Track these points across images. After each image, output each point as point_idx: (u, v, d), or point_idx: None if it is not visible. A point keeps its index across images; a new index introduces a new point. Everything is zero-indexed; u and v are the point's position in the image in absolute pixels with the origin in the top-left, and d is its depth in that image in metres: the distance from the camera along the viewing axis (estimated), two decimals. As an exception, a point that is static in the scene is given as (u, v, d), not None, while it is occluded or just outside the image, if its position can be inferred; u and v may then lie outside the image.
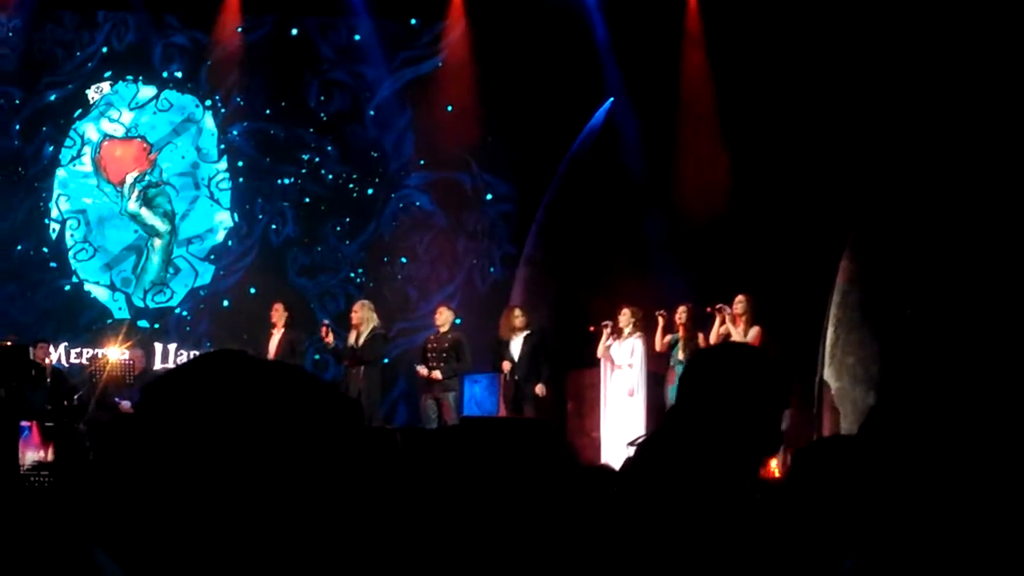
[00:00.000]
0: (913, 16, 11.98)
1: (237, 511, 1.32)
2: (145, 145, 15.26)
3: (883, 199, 12.18)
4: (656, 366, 12.23)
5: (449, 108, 14.82)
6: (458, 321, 13.10)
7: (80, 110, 15.18)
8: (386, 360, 13.41)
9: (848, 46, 12.30)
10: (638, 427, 11.97)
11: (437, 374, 12.31)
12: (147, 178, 15.22)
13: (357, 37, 15.18)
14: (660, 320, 12.09)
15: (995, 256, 11.53)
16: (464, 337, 12.60)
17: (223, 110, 15.25)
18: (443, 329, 12.57)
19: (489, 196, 15.09)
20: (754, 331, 11.73)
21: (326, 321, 13.03)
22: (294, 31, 15.19)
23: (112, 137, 15.25)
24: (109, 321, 14.84)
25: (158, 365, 14.46)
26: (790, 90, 12.55)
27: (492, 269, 15.06)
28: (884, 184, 12.16)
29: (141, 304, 15.05)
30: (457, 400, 12.51)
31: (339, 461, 1.38)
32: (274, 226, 15.18)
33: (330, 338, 12.52)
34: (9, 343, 11.39)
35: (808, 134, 12.47)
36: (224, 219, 15.24)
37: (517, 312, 12.71)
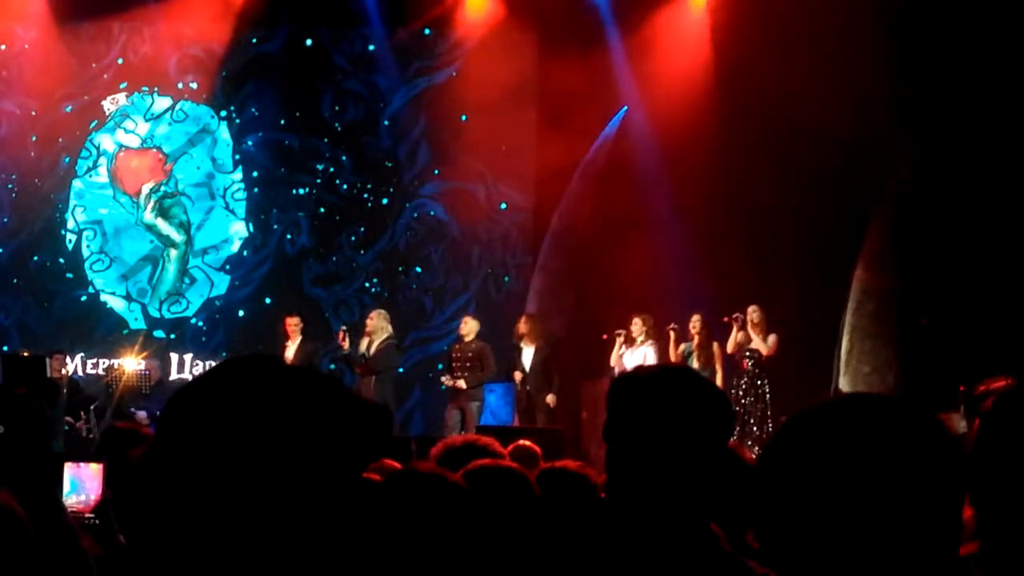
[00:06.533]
0: (922, 24, 11.98)
1: (266, 514, 1.33)
2: (161, 156, 15.31)
3: (898, 208, 12.16)
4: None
5: (463, 118, 14.83)
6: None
7: (96, 121, 15.23)
8: (401, 370, 13.41)
9: (858, 54, 12.26)
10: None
11: (462, 383, 12.30)
12: (163, 189, 15.27)
13: (371, 47, 15.21)
14: (672, 334, 12.10)
15: (1012, 264, 11.49)
16: (488, 346, 12.56)
17: (238, 121, 15.29)
18: (468, 338, 12.56)
19: (503, 205, 15.10)
20: (772, 339, 11.76)
21: (344, 327, 13.01)
22: (308, 42, 15.22)
23: (128, 148, 15.31)
24: (125, 331, 14.88)
25: (174, 375, 14.49)
26: (800, 99, 12.52)
27: (507, 278, 15.06)
28: (898, 193, 12.14)
29: (157, 314, 15.09)
30: (481, 410, 12.51)
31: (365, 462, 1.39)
32: (289, 236, 15.21)
33: (346, 343, 12.52)
34: (26, 354, 11.41)
35: (822, 144, 12.44)
36: (239, 229, 15.28)
37: (522, 320, 12.74)
